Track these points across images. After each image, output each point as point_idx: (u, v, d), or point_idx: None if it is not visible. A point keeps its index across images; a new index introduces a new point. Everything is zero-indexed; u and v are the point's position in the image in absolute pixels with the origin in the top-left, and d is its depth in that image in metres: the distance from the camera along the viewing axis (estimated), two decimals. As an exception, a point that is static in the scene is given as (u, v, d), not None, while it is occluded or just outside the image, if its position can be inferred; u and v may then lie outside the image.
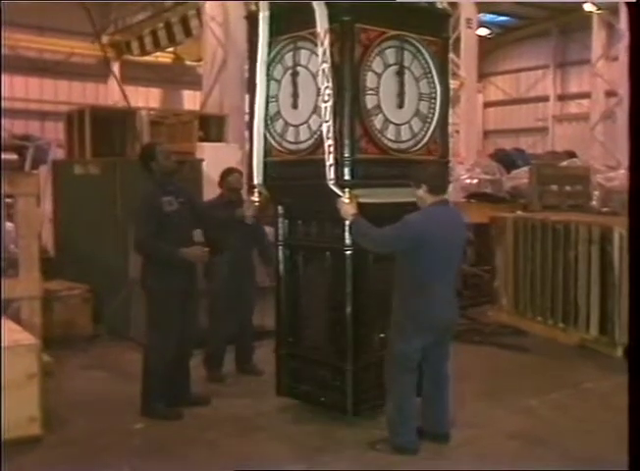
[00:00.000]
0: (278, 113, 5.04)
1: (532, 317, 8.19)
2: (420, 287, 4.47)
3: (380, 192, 4.83)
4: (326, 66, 4.48)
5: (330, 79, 4.48)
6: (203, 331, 6.22)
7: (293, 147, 5.00)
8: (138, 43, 22.99)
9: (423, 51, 4.97)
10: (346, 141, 4.60)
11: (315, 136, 4.78)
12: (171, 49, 24.10)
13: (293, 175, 5.02)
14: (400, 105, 4.90)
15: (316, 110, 4.71)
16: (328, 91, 4.49)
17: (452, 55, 16.57)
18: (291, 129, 4.99)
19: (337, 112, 4.54)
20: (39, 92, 24.76)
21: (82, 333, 7.81)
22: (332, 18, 4.52)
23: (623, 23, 19.82)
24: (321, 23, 4.48)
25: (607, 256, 7.23)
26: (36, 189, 9.12)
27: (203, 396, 5.70)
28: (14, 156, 12.98)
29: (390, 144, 4.86)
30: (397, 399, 4.61)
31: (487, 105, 32.06)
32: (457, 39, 16.55)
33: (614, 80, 20.41)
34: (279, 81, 5.02)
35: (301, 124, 4.91)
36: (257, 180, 5.11)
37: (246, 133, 5.21)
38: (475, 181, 12.21)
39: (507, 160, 15.12)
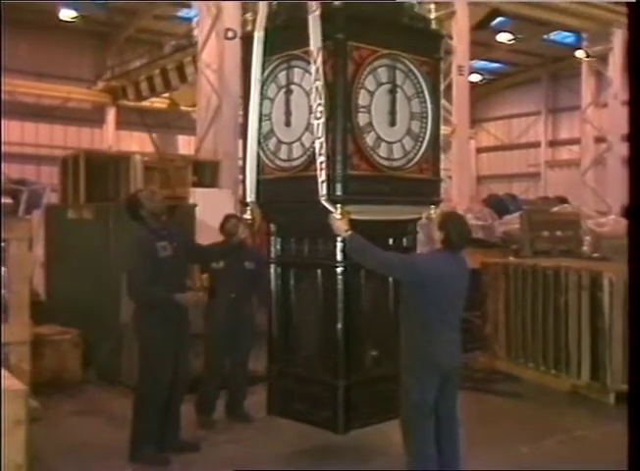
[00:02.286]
0: (271, 131, 5.09)
1: (524, 363, 8.17)
2: (425, 329, 4.49)
3: (372, 209, 4.86)
4: (319, 83, 4.53)
5: (323, 97, 4.53)
6: (196, 375, 6.19)
7: (285, 165, 5.04)
8: (134, 89, 23.27)
9: (415, 71, 5.04)
10: (339, 158, 4.64)
11: (308, 153, 4.82)
12: (166, 95, 24.37)
13: (286, 192, 5.05)
14: (393, 123, 4.95)
15: (309, 127, 4.75)
16: (320, 108, 4.54)
17: (443, 101, 16.82)
18: (283, 146, 5.04)
19: (329, 129, 4.59)
20: (35, 137, 24.95)
21: (72, 378, 7.74)
22: (325, 35, 4.58)
23: (612, 70, 20.22)
24: (314, 40, 4.55)
25: (597, 302, 7.25)
26: (29, 234, 9.14)
27: (193, 442, 5.65)
28: (8, 200, 13.05)
29: (382, 162, 4.90)
30: (418, 446, 4.53)
31: (480, 151, 32.41)
32: (449, 86, 16.77)
33: (604, 127, 20.69)
34: (272, 100, 5.08)
35: (294, 141, 4.96)
36: (250, 198, 5.14)
37: (239, 176, 5.23)
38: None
39: (500, 205, 15.26)
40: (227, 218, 6.54)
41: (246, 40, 5.15)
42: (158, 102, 25.32)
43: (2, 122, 17.32)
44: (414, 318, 4.53)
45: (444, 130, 16.63)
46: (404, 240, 5.23)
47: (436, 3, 5.49)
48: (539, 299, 7.98)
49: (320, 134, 4.54)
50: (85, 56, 24.71)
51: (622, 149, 20.72)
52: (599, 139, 21.18)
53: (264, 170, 5.13)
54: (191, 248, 5.75)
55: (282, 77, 5.02)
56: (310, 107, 4.66)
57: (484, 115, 32.17)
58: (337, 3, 4.60)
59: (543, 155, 30.63)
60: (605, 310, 7.12)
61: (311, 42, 4.55)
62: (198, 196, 9.74)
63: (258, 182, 5.11)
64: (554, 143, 30.65)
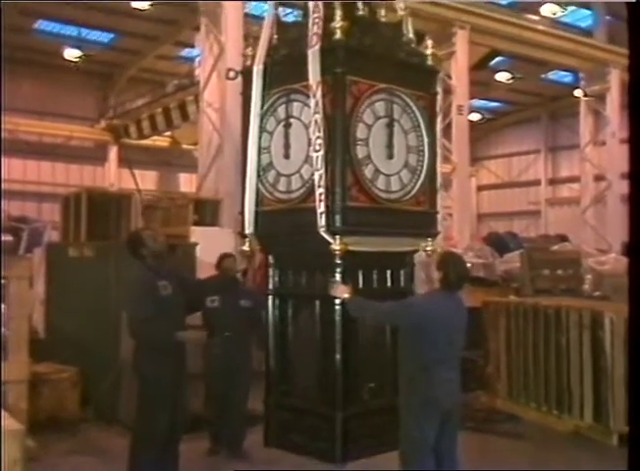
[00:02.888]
0: (270, 163, 5.13)
1: (526, 403, 8.11)
2: (423, 368, 4.48)
3: (370, 241, 4.88)
4: (318, 116, 4.58)
5: (322, 130, 4.58)
6: (194, 415, 6.14)
7: (284, 197, 5.06)
8: (136, 127, 23.45)
9: (412, 105, 5.10)
10: (338, 189, 4.68)
11: (307, 185, 4.85)
12: (168, 133, 24.56)
13: (284, 223, 5.07)
14: (390, 156, 5.00)
15: (308, 160, 4.79)
16: (320, 141, 4.59)
17: (444, 140, 16.98)
18: (282, 178, 5.07)
19: (328, 161, 4.63)
20: (37, 174, 25.09)
21: (70, 416, 7.67)
22: (324, 70, 4.64)
23: (609, 109, 20.39)
24: (314, 74, 4.61)
25: (598, 341, 7.21)
26: (29, 273, 9.15)
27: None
28: (9, 238, 13.03)
29: (380, 194, 4.93)
30: None
31: (480, 188, 32.55)
32: (449, 125, 16.92)
33: (603, 165, 20.81)
34: (271, 133, 5.12)
35: (293, 173, 4.99)
36: (248, 229, 5.15)
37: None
38: (468, 264, 12.26)
39: (500, 243, 15.25)
40: (223, 256, 6.55)
41: (246, 74, 5.22)
42: (160, 140, 25.51)
43: (3, 159, 17.46)
44: (413, 358, 4.54)
45: (444, 168, 16.85)
46: (402, 272, 5.24)
47: (435, 43, 5.55)
48: (540, 338, 7.94)
49: (319, 167, 4.59)
50: (88, 95, 24.96)
51: (622, 187, 20.81)
52: (598, 177, 21.29)
53: (263, 202, 5.17)
54: (187, 284, 5.74)
55: (281, 110, 5.08)
56: (309, 140, 4.72)
57: (484, 153, 32.39)
58: (336, 38, 4.66)
59: (543, 193, 30.75)
60: (606, 350, 7.08)
61: (310, 76, 4.61)
62: (199, 235, 9.77)
63: (257, 213, 5.14)
64: (554, 181, 30.80)
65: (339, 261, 4.73)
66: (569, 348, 7.53)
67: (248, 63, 5.21)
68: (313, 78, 4.60)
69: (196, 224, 10.73)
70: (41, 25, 23.04)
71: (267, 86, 5.07)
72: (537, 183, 31.05)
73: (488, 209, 32.08)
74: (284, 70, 5.06)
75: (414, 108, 5.11)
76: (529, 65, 23.91)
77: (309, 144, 4.73)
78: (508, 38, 18.14)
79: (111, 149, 25.94)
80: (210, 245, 8.20)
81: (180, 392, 5.37)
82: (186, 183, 26.17)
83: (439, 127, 5.32)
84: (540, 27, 19.03)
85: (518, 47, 18.84)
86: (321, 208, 4.60)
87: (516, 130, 31.99)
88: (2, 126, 19.83)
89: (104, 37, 23.67)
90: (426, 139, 5.15)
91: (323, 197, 4.60)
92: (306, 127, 4.79)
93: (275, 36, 5.20)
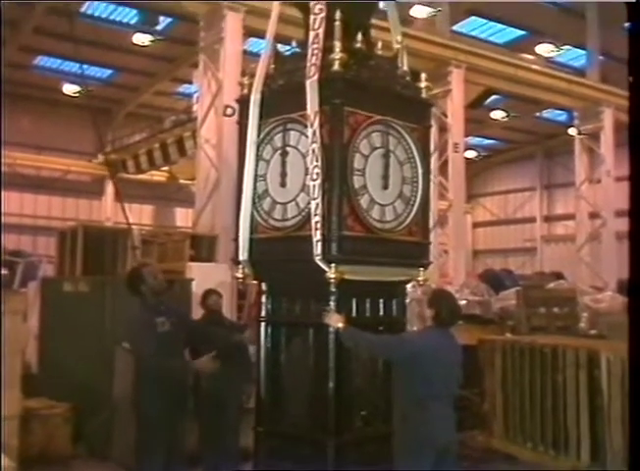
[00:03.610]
0: (266, 191, 5.14)
1: (522, 443, 8.02)
2: (418, 404, 4.47)
3: (365, 270, 4.89)
4: (316, 146, 4.62)
5: (319, 159, 4.61)
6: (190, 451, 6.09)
7: (279, 224, 5.07)
8: (134, 162, 23.57)
9: (406, 137, 5.15)
10: (334, 218, 4.69)
11: (303, 214, 4.85)
12: (165, 168, 24.69)
13: (279, 251, 5.08)
14: (385, 187, 5.03)
15: (304, 188, 4.81)
16: (317, 170, 4.61)
17: (440, 178, 17.07)
18: (278, 206, 5.08)
19: (325, 190, 4.65)
20: (34, 208, 25.14)
21: (62, 453, 7.58)
22: (322, 100, 4.69)
23: (603, 148, 20.57)
24: (312, 104, 4.66)
25: (595, 380, 7.18)
26: (24, 307, 9.09)
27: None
28: (4, 271, 13.04)
29: (375, 224, 4.95)
30: None
31: (476, 225, 32.67)
32: (445, 162, 17.04)
33: (598, 203, 20.92)
34: (268, 161, 5.14)
35: (289, 201, 5.00)
36: (242, 256, 5.15)
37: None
38: (464, 302, 12.27)
39: (496, 281, 15.28)
40: (207, 293, 6.56)
41: (243, 103, 5.26)
42: (157, 175, 25.64)
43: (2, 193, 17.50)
44: (408, 393, 4.54)
45: (440, 204, 16.97)
46: (394, 302, 5.25)
47: (431, 82, 5.63)
48: (537, 377, 7.89)
49: (316, 195, 4.61)
50: (86, 130, 25.08)
51: (617, 225, 20.92)
52: (593, 215, 21.39)
53: (257, 229, 5.18)
54: (189, 328, 5.73)
55: (278, 139, 5.11)
56: (306, 168, 4.75)
57: (480, 190, 32.58)
58: (334, 70, 4.72)
59: (539, 230, 30.88)
60: (603, 389, 7.04)
61: (309, 106, 4.67)
62: (195, 271, 9.76)
63: (251, 241, 5.15)
64: (549, 219, 30.95)
65: (333, 289, 4.73)
66: (566, 387, 7.48)
67: (245, 91, 5.25)
68: (311, 108, 4.65)
69: (193, 259, 10.73)
70: (41, 61, 23.31)
71: (264, 115, 5.12)
72: (532, 220, 31.19)
73: (484, 246, 32.18)
74: (281, 99, 5.11)
75: (409, 140, 5.16)
76: (524, 103, 24.16)
77: (306, 173, 4.76)
78: (504, 77, 18.37)
79: (108, 183, 26.05)
80: (206, 281, 8.20)
81: (179, 429, 5.34)
82: (183, 217, 26.26)
83: (433, 159, 5.39)
84: (535, 67, 19.27)
85: (513, 86, 19.07)
86: (317, 236, 4.61)
87: (512, 168, 32.23)
88: (2, 160, 19.97)
89: (103, 73, 23.91)
90: (420, 170, 5.20)
91: (319, 226, 4.61)
92: (303, 155, 4.83)
93: (272, 66, 5.26)
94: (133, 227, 11.39)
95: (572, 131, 21.66)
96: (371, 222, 4.91)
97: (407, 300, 5.63)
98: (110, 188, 26.05)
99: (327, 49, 4.75)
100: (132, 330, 5.48)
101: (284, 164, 5.05)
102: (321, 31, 4.77)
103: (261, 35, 5.48)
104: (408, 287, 5.55)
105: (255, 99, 5.10)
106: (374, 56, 5.21)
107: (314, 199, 4.62)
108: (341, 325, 4.61)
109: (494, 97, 23.13)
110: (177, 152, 21.15)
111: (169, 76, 24.13)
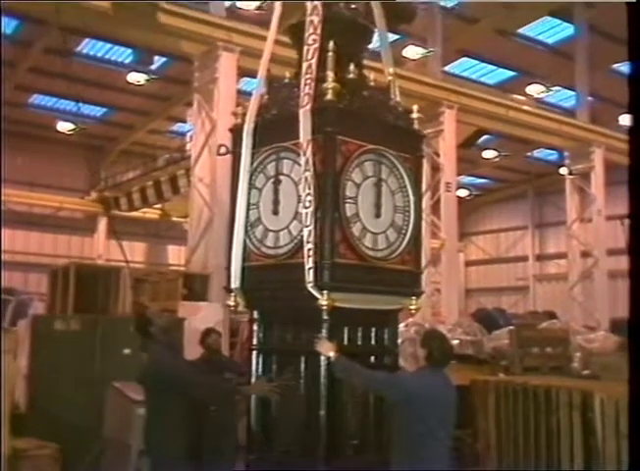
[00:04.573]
0: (258, 219, 5.15)
1: (516, 484, 7.95)
2: (414, 442, 4.45)
3: (357, 298, 4.88)
4: (308, 174, 4.64)
5: (312, 187, 4.63)
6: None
7: (271, 252, 5.07)
8: (127, 199, 23.62)
9: (399, 166, 5.18)
10: (327, 246, 4.69)
11: (295, 241, 4.86)
12: (158, 205, 24.73)
13: (271, 279, 5.07)
14: (378, 215, 5.05)
15: (297, 216, 4.82)
16: (310, 198, 4.63)
17: (432, 217, 17.12)
18: (270, 234, 5.08)
19: (318, 218, 4.66)
20: (25, 244, 25.09)
21: (49, 495, 7.47)
22: (315, 129, 4.73)
23: (594, 187, 20.73)
24: (305, 133, 4.69)
25: (588, 421, 7.14)
26: (14, 346, 9.04)
27: None
28: (-6, 309, 12.95)
29: (367, 251, 4.95)
30: None
31: (468, 264, 32.72)
32: (437, 202, 17.13)
33: (590, 242, 21.01)
34: (260, 190, 5.16)
35: (281, 229, 5.01)
36: (234, 284, 5.14)
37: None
38: (457, 341, 12.23)
39: (489, 320, 15.27)
40: (207, 332, 6.55)
41: (236, 132, 5.30)
42: (150, 212, 25.67)
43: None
44: (404, 434, 4.51)
45: (433, 243, 17.01)
46: (386, 331, 5.24)
47: (424, 122, 5.69)
48: (530, 418, 7.85)
49: (309, 223, 4.63)
50: (80, 167, 25.24)
51: (608, 264, 21.00)
52: (585, 254, 21.45)
53: (250, 257, 5.18)
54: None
55: (271, 167, 5.15)
56: (299, 196, 4.77)
57: (472, 229, 32.72)
58: (327, 99, 4.78)
59: (531, 269, 30.95)
60: (597, 430, 7.00)
61: (301, 135, 4.71)
62: (188, 310, 9.72)
63: (243, 269, 5.15)
64: (541, 257, 31.05)
65: (325, 317, 4.73)
66: (560, 428, 7.44)
67: (239, 121, 5.30)
68: (304, 136, 4.70)
69: (185, 298, 10.69)
70: (36, 99, 23.48)
71: (257, 144, 5.17)
72: (525, 258, 31.28)
73: (476, 284, 32.19)
74: (274, 128, 5.16)
75: (401, 169, 5.21)
76: (515, 143, 24.44)
77: (299, 201, 4.78)
78: (495, 118, 18.57)
79: (100, 221, 26.07)
80: (199, 320, 8.17)
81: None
82: (175, 255, 26.24)
83: (425, 198, 5.45)
84: (526, 108, 19.49)
85: (505, 126, 19.29)
86: (309, 264, 4.62)
87: (504, 207, 32.43)
88: (2, 198, 19.99)
89: (98, 111, 24.08)
90: (412, 200, 5.23)
91: (312, 253, 4.63)
92: (296, 184, 4.86)
93: (266, 96, 5.32)
94: (126, 265, 11.37)
95: (563, 171, 21.83)
96: (363, 250, 4.93)
97: (400, 340, 5.63)
98: (102, 225, 26.06)
99: (320, 79, 4.82)
100: (164, 366, 5.41)
101: (276, 192, 5.09)
102: (314, 62, 4.84)
103: (255, 76, 5.53)
104: (401, 326, 5.56)
105: (249, 129, 5.15)
106: (367, 86, 5.28)
107: (306, 227, 4.65)
108: (332, 354, 4.59)
109: (485, 137, 23.38)
110: (170, 190, 21.23)
111: (163, 114, 24.32)
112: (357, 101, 5.07)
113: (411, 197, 5.25)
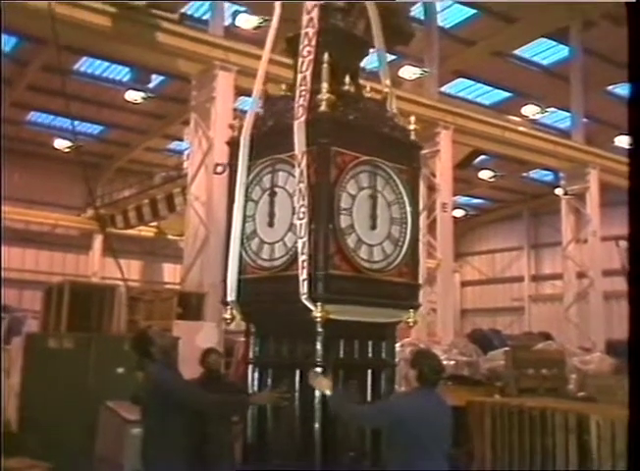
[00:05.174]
0: (254, 232, 5.13)
1: (512, 507, 7.89)
2: (410, 464, 4.41)
3: (352, 310, 4.84)
4: (302, 185, 4.63)
5: (306, 198, 4.61)
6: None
7: (267, 264, 5.04)
8: (123, 217, 23.60)
9: (395, 178, 5.15)
10: (320, 257, 4.66)
11: (290, 253, 4.83)
12: (153, 223, 24.72)
13: (266, 291, 5.03)
14: (373, 227, 5.01)
15: (292, 228, 4.80)
16: (303, 209, 4.61)
17: (429, 237, 17.11)
18: (266, 246, 5.05)
19: (311, 229, 4.63)
20: (21, 262, 25.03)
21: (40, 517, 7.38)
22: (310, 140, 4.71)
23: (589, 208, 20.79)
24: (299, 144, 4.68)
25: (585, 444, 7.10)
26: (7, 364, 8.99)
27: None
28: (-11, 327, 12.89)
29: (363, 263, 4.91)
30: None
31: (464, 284, 32.69)
32: (433, 222, 17.15)
33: (585, 262, 21.03)
34: (256, 202, 5.14)
35: (277, 241, 4.98)
36: (230, 297, 5.11)
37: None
38: (452, 362, 12.20)
39: (484, 340, 15.25)
40: (208, 352, 6.52)
41: (233, 145, 5.30)
42: (145, 230, 25.65)
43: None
44: (400, 455, 4.48)
45: (429, 263, 16.99)
46: (383, 344, 5.20)
47: (420, 142, 5.68)
48: (526, 440, 7.81)
49: (303, 234, 4.61)
50: (76, 184, 25.19)
51: (604, 285, 21.01)
52: (581, 275, 21.45)
53: (246, 269, 5.15)
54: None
55: (266, 179, 5.14)
56: (294, 208, 4.75)
57: (468, 249, 32.73)
58: (321, 110, 4.78)
59: (526, 289, 30.93)
60: (593, 453, 6.97)
61: (296, 146, 4.70)
62: (182, 329, 9.66)
63: (240, 281, 5.12)
64: (536, 278, 31.05)
65: (320, 329, 4.69)
66: (555, 450, 7.40)
67: (235, 134, 5.30)
68: (299, 148, 4.69)
69: (180, 317, 10.64)
70: (33, 116, 23.54)
71: (253, 157, 5.16)
72: (520, 279, 31.28)
73: (472, 305, 32.16)
74: (270, 140, 5.16)
75: (397, 181, 5.18)
76: (511, 164, 24.52)
77: (294, 213, 4.76)
78: (491, 138, 18.63)
79: (96, 238, 26.03)
80: (193, 340, 8.13)
81: None
82: (171, 273, 26.19)
83: (421, 218, 5.43)
84: (521, 129, 19.59)
85: (501, 147, 19.35)
86: (304, 275, 4.60)
87: (499, 227, 32.47)
88: (2, 215, 19.97)
89: (94, 129, 24.14)
90: (409, 211, 5.20)
91: (306, 264, 4.60)
92: (291, 196, 4.84)
93: (262, 109, 5.33)
94: (121, 283, 11.33)
95: (559, 192, 21.89)
96: (359, 261, 4.90)
97: (396, 359, 5.59)
98: (98, 243, 26.03)
99: (315, 91, 4.82)
100: (168, 385, 5.37)
101: (272, 204, 5.07)
102: (309, 74, 4.85)
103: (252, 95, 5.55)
104: (397, 346, 5.53)
105: (245, 142, 5.15)
106: (362, 98, 5.28)
107: (301, 238, 4.63)
108: (328, 392, 4.54)
109: (481, 157, 23.47)
110: (166, 208, 21.23)
111: (160, 132, 24.38)
112: (352, 112, 5.07)
113: (408, 209, 5.23)
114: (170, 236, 24.76)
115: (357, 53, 5.52)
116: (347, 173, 4.89)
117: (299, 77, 4.89)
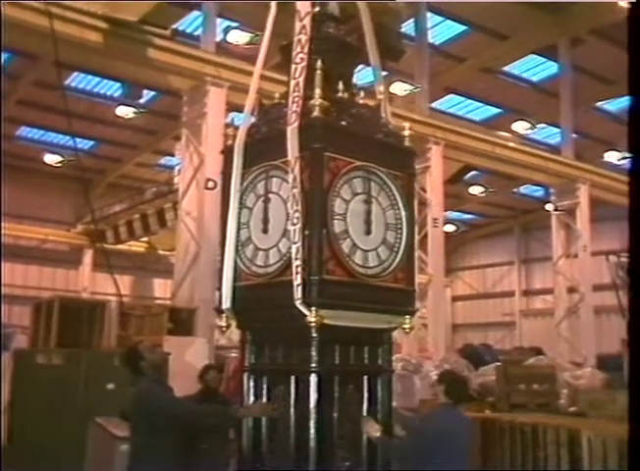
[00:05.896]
0: (249, 238, 5.11)
1: (504, 522, 7.87)
2: None
3: (347, 315, 4.81)
4: (296, 191, 4.62)
5: (299, 203, 4.60)
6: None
7: (261, 271, 5.02)
8: (113, 232, 23.52)
9: (389, 184, 5.14)
10: (314, 262, 4.63)
11: (284, 259, 4.81)
12: (144, 238, 24.65)
13: (261, 298, 5.01)
14: (368, 232, 5.00)
15: (286, 234, 4.78)
16: (297, 215, 4.60)
17: (419, 252, 17.15)
18: (260, 253, 5.04)
19: (305, 234, 4.63)
20: (11, 277, 24.87)
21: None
22: (303, 146, 4.71)
23: (580, 223, 20.88)
24: (292, 150, 4.68)
25: (576, 459, 7.10)
26: (-5, 380, 8.92)
27: None
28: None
29: (357, 269, 4.89)
30: None
31: (455, 299, 32.71)
32: (425, 237, 17.16)
33: (575, 278, 21.09)
34: (251, 209, 5.13)
35: (271, 247, 4.96)
36: (225, 305, 5.09)
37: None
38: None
39: (476, 356, 15.23)
40: (206, 368, 6.54)
41: (227, 153, 5.31)
42: (136, 245, 25.57)
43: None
44: (427, 465, 4.81)
45: (420, 279, 16.96)
46: (379, 350, 5.19)
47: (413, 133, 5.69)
48: (517, 455, 7.80)
49: (296, 240, 4.60)
50: (66, 199, 25.15)
51: (594, 299, 21.07)
52: (571, 289, 21.50)
53: (241, 276, 5.13)
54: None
55: (260, 186, 5.13)
56: (287, 214, 4.75)
57: (459, 264, 32.76)
58: (314, 115, 4.78)
59: (517, 304, 30.96)
60: (584, 468, 6.96)
61: (289, 152, 4.70)
62: (173, 344, 9.61)
63: (234, 288, 5.11)
64: (527, 293, 31.09)
65: (315, 334, 4.68)
66: (547, 466, 7.39)
67: (230, 142, 5.31)
68: (292, 154, 4.69)
69: (171, 333, 10.59)
70: (24, 131, 23.51)
71: (247, 164, 5.16)
72: (511, 294, 31.31)
73: (463, 320, 32.15)
74: (264, 147, 5.15)
75: (392, 187, 5.17)
76: (502, 179, 24.62)
77: (287, 218, 4.76)
78: (482, 154, 18.70)
79: (86, 253, 25.94)
80: (184, 356, 8.10)
81: None
82: (161, 288, 26.10)
83: (416, 206, 5.42)
84: (511, 144, 19.68)
85: (491, 163, 19.42)
86: (298, 280, 4.58)
87: (490, 242, 32.54)
88: (2, 232, 19.85)
89: (86, 144, 24.11)
90: (404, 216, 5.19)
91: (300, 269, 4.58)
92: (285, 202, 4.83)
93: (256, 117, 5.34)
94: (113, 299, 11.28)
95: (549, 207, 21.97)
96: (353, 267, 4.89)
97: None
98: (88, 258, 25.93)
99: (308, 98, 4.84)
100: (156, 399, 5.33)
101: (266, 211, 5.07)
102: (301, 80, 4.86)
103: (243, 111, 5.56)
104: (433, 374, 5.68)
105: (239, 149, 5.16)
106: (355, 105, 5.29)
107: (294, 243, 4.62)
108: (378, 434, 4.68)
109: (472, 173, 23.55)
110: (157, 223, 21.17)
111: (151, 148, 24.37)
112: (346, 118, 5.08)
113: (403, 215, 5.23)
114: (161, 252, 24.69)
115: (350, 60, 5.54)
116: (341, 178, 4.89)
117: (292, 83, 4.90)
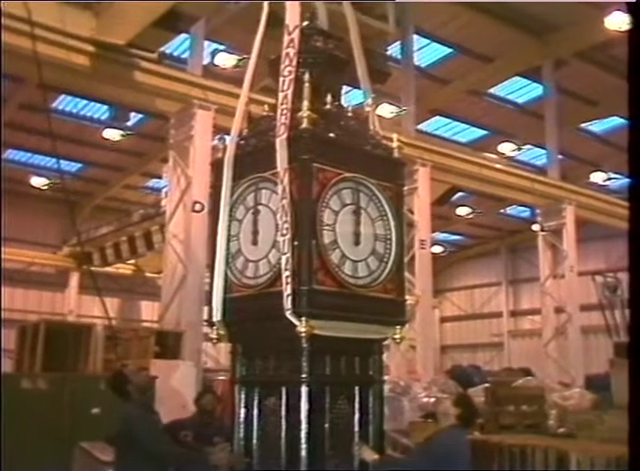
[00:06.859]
0: (239, 251, 5.11)
1: None
2: None
3: (337, 325, 4.81)
4: (285, 201, 4.62)
5: (288, 214, 4.61)
6: None
7: (251, 282, 5.01)
8: (100, 255, 23.41)
9: (378, 195, 5.15)
10: (304, 272, 4.63)
11: (274, 270, 4.81)
12: (131, 261, 24.56)
13: (252, 309, 5.00)
14: (357, 243, 5.00)
15: (275, 245, 4.79)
16: (286, 225, 4.60)
17: (407, 274, 17.12)
18: (250, 264, 5.03)
19: (294, 245, 4.62)
20: (-5, 300, 24.70)
21: None
22: (292, 157, 4.72)
23: (566, 244, 20.98)
24: (281, 161, 4.69)
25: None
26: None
27: None
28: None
29: (347, 279, 4.89)
30: None
31: (443, 320, 32.72)
32: (412, 259, 17.17)
33: (563, 298, 21.15)
34: (240, 221, 5.13)
35: (261, 259, 4.96)
36: (216, 317, 5.07)
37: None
38: (433, 399, 12.13)
39: (464, 377, 15.21)
40: (203, 392, 6.51)
41: (217, 166, 5.31)
42: (123, 268, 25.47)
43: None
44: None
45: (408, 299, 16.97)
46: (370, 361, 5.18)
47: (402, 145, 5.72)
48: (507, 478, 7.77)
49: (286, 250, 4.60)
50: (52, 222, 25.03)
51: (582, 319, 21.13)
52: (559, 310, 21.55)
53: (231, 288, 5.13)
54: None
55: (250, 198, 5.14)
56: (277, 225, 4.75)
57: (447, 285, 32.80)
58: (302, 127, 4.80)
59: (505, 325, 31.00)
60: (574, 489, 6.93)
61: (278, 164, 4.72)
62: (160, 368, 9.54)
63: (225, 301, 5.09)
64: (515, 313, 31.15)
65: (305, 345, 4.66)
66: (537, 488, 7.36)
67: (219, 155, 5.32)
68: (281, 165, 4.71)
69: (158, 356, 10.51)
70: (10, 154, 23.46)
71: (237, 177, 5.17)
72: (499, 314, 31.37)
73: (451, 341, 32.15)
74: (253, 159, 5.17)
75: (381, 198, 5.18)
76: (488, 200, 24.74)
77: (277, 229, 4.76)
78: (468, 176, 18.77)
79: (72, 276, 25.80)
80: (170, 379, 8.03)
81: None
82: (148, 310, 25.97)
83: (405, 217, 5.44)
84: (498, 166, 19.79)
85: (478, 184, 19.50)
86: (287, 291, 4.58)
87: (477, 263, 32.63)
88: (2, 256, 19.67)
89: (72, 167, 24.07)
90: (393, 227, 5.20)
91: (290, 280, 4.58)
92: (274, 213, 4.85)
93: (245, 129, 5.35)
94: (99, 322, 11.20)
95: (535, 228, 22.08)
96: (343, 277, 4.89)
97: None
98: (74, 281, 25.79)
99: (297, 110, 4.86)
100: (136, 427, 5.28)
101: (255, 222, 5.08)
102: (290, 92, 4.88)
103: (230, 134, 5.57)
104: (447, 404, 5.71)
105: (229, 162, 5.17)
106: (344, 117, 5.32)
107: (284, 254, 4.62)
108: (376, 456, 4.71)
109: (459, 194, 23.65)
110: (144, 246, 21.10)
111: (138, 170, 24.36)
112: (334, 129, 5.10)
113: (392, 226, 5.24)
114: (148, 274, 24.59)
115: (339, 73, 5.58)
116: (330, 189, 4.91)
117: (281, 95, 4.93)
